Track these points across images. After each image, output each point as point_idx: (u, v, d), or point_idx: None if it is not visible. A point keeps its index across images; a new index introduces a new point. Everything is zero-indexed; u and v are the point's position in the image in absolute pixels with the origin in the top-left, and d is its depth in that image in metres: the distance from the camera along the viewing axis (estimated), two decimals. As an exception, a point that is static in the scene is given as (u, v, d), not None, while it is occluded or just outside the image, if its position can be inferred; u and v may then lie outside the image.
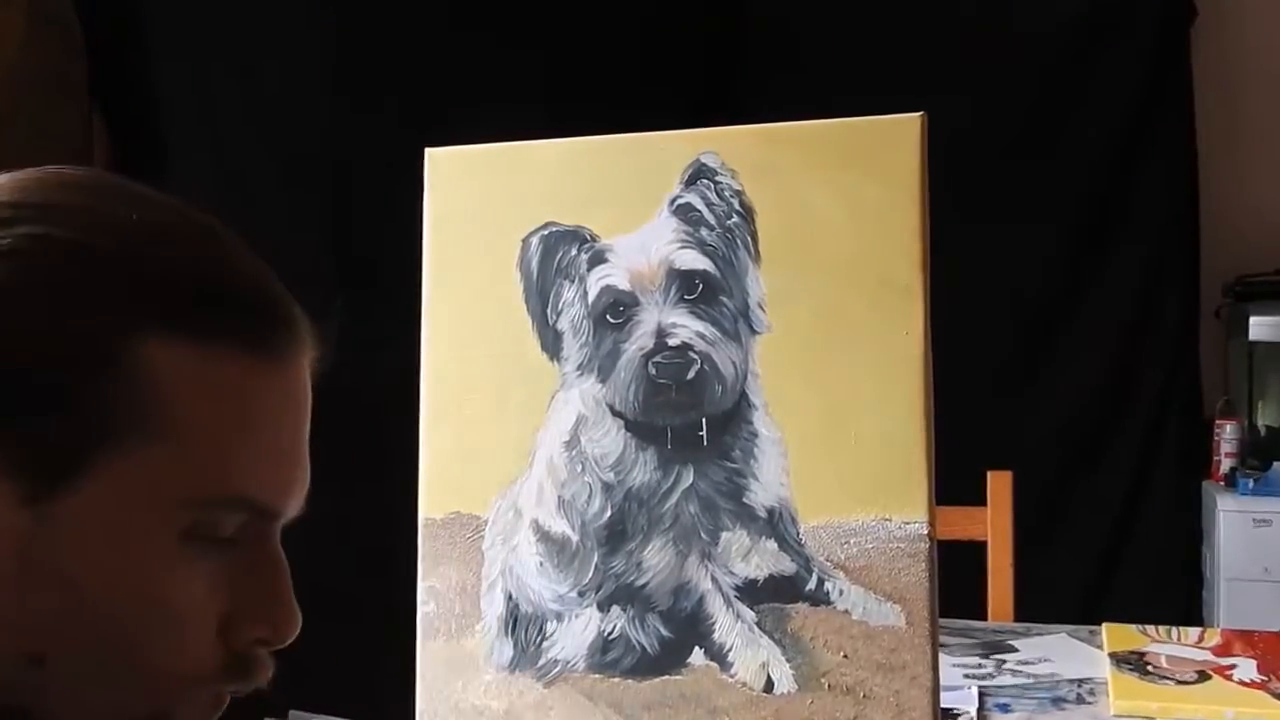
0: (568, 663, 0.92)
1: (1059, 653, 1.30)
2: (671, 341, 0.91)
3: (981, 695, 1.16)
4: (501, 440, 0.95)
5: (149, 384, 0.47)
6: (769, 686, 0.87)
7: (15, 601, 0.45)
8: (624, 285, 0.92)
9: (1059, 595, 2.08)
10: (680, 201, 0.92)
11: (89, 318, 0.46)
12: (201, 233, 0.51)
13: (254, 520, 0.50)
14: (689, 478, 0.90)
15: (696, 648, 0.89)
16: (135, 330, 0.47)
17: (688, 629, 0.90)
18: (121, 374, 0.46)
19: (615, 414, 0.92)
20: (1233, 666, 1.21)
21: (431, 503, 0.97)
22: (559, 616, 0.93)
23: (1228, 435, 2.45)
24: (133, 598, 0.47)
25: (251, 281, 0.51)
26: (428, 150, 1.00)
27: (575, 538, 0.93)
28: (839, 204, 0.88)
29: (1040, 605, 1.50)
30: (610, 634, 0.91)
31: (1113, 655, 1.23)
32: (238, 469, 0.49)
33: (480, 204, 0.98)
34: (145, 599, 0.47)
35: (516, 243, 0.96)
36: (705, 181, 0.92)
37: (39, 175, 0.50)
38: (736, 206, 0.91)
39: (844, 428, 0.87)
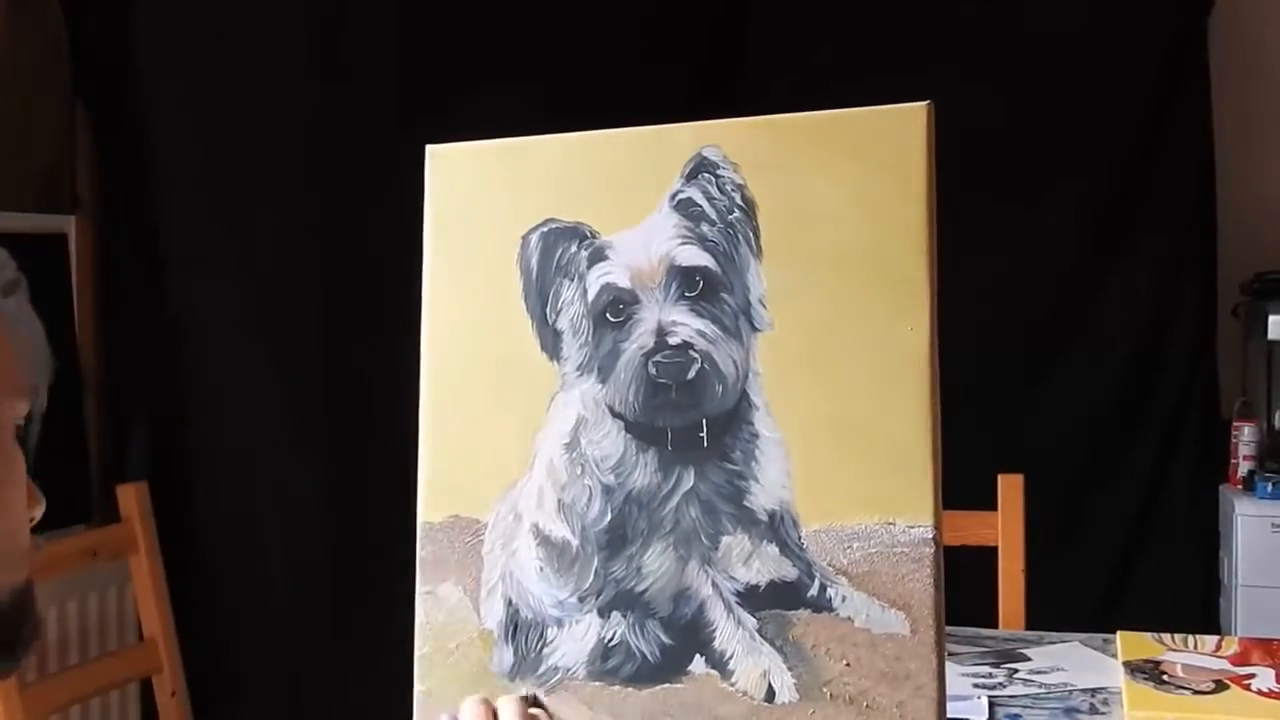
0: (568, 670, 0.90)
1: (1072, 662, 1.28)
2: (672, 340, 0.89)
3: (992, 705, 1.14)
4: (501, 442, 0.93)
5: None
6: (770, 696, 0.85)
7: None
8: (624, 283, 0.91)
9: (1072, 602, 2.05)
10: (681, 196, 0.90)
11: None
12: None
13: None
14: (689, 480, 0.88)
15: (697, 655, 0.87)
16: None
17: (688, 636, 0.88)
18: None
19: (615, 415, 0.91)
20: (1251, 676, 1.19)
21: (430, 506, 0.96)
22: (559, 623, 0.91)
23: (1246, 437, 2.42)
24: None
25: None
26: (429, 146, 0.99)
27: (575, 542, 0.91)
28: (843, 197, 0.86)
29: (1052, 612, 1.48)
30: (611, 641, 0.89)
31: (1127, 664, 1.21)
32: None
33: (480, 200, 0.97)
34: None
35: (516, 240, 0.94)
36: (707, 175, 0.90)
37: None
38: (738, 201, 0.89)
39: (847, 428, 0.84)
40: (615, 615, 0.89)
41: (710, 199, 0.89)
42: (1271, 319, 2.29)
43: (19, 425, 0.66)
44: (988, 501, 1.52)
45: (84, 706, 2.01)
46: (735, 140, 0.89)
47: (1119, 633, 1.30)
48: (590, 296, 0.91)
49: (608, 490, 0.90)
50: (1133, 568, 2.40)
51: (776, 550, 0.86)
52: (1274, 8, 2.57)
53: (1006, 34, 2.39)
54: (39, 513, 0.69)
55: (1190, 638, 1.29)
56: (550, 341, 0.93)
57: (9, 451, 0.65)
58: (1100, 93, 2.42)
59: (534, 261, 0.94)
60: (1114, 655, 1.26)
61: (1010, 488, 1.51)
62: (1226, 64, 2.46)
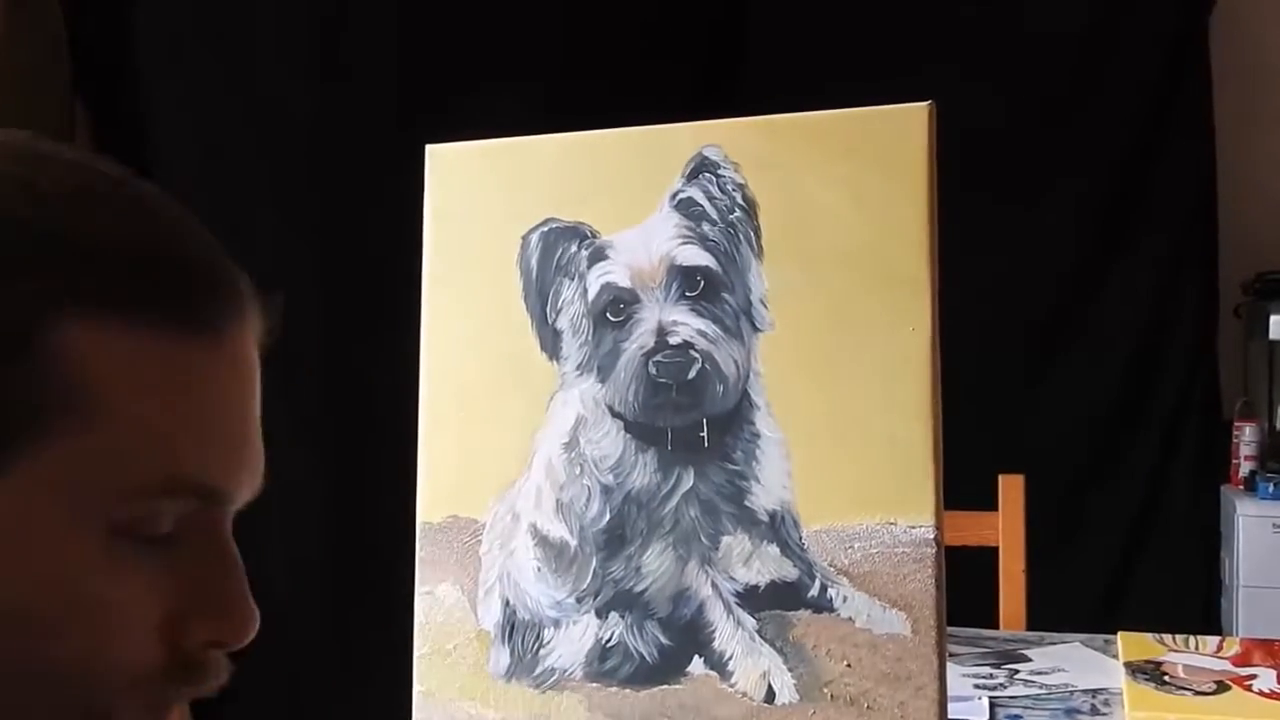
0: (565, 671, 0.90)
1: (1073, 662, 1.27)
2: (672, 340, 0.89)
3: (993, 706, 1.13)
4: (500, 442, 0.93)
5: (71, 367, 0.42)
6: (770, 697, 0.84)
7: None
8: (624, 282, 0.90)
9: (1073, 603, 2.05)
10: (682, 196, 0.90)
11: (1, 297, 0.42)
12: (128, 199, 0.47)
13: (201, 508, 0.46)
14: (689, 480, 0.88)
15: (696, 656, 0.87)
16: (54, 308, 0.42)
17: (687, 637, 0.87)
18: (40, 358, 0.42)
19: (615, 415, 0.90)
20: (1253, 677, 1.18)
21: (429, 506, 0.95)
22: (556, 624, 0.91)
23: (1247, 437, 2.42)
24: (61, 600, 0.43)
25: (184, 250, 0.46)
26: (429, 146, 0.98)
27: (574, 542, 0.91)
28: (844, 196, 0.85)
29: (1053, 613, 1.47)
30: (608, 642, 0.89)
31: (1128, 665, 1.21)
32: (178, 452, 0.45)
33: (480, 200, 0.96)
34: (71, 598, 0.43)
35: (516, 240, 0.94)
36: (707, 175, 0.90)
37: None
38: (739, 200, 0.88)
39: (848, 428, 0.84)
40: (613, 616, 0.89)
41: (711, 198, 0.89)
42: (1273, 319, 2.28)
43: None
44: (988, 502, 1.52)
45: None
46: (736, 140, 0.89)
47: (1120, 633, 1.29)
48: (590, 296, 0.91)
49: (607, 490, 0.90)
50: (1134, 568, 2.40)
51: (777, 550, 0.86)
52: (1275, 7, 2.56)
53: (1006, 34, 2.38)
54: (236, 640, 0.48)
55: (1191, 638, 1.29)
56: (550, 341, 0.93)
57: (99, 576, 0.44)
58: (1100, 93, 2.42)
59: (534, 261, 0.93)
60: (1115, 656, 1.25)
61: (1011, 488, 1.51)
62: (1227, 63, 2.46)
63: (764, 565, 0.86)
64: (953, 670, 1.02)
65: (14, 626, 0.43)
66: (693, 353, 0.88)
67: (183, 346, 0.45)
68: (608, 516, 0.90)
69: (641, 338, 0.89)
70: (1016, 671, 1.24)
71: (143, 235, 0.45)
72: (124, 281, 0.44)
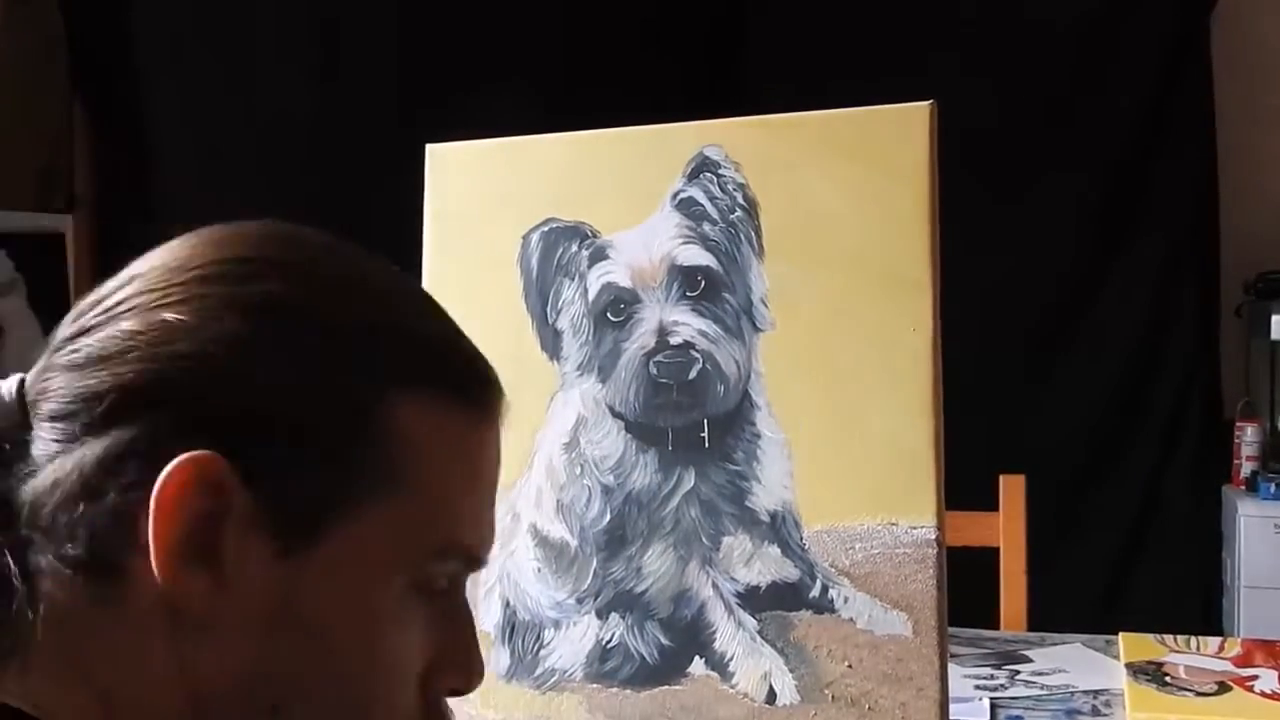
0: (565, 672, 0.90)
1: (1074, 663, 1.27)
2: (673, 340, 0.88)
3: (993, 707, 1.13)
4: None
5: (396, 440, 0.48)
6: (771, 697, 0.84)
7: (269, 652, 0.46)
8: (625, 282, 0.90)
9: (1074, 603, 2.04)
10: (683, 195, 0.90)
11: (348, 377, 0.48)
12: (421, 295, 0.54)
13: (462, 569, 0.51)
14: (690, 480, 0.88)
15: (697, 657, 0.87)
16: (386, 389, 0.48)
17: (688, 637, 0.87)
18: (373, 431, 0.47)
19: (615, 415, 0.90)
20: (1254, 677, 1.18)
21: (427, 506, 0.95)
22: (557, 624, 0.90)
23: (1249, 438, 2.41)
24: (367, 649, 0.48)
25: (462, 340, 0.53)
26: (429, 146, 0.98)
27: (574, 543, 0.91)
28: (845, 196, 0.85)
29: (1054, 614, 1.47)
30: (609, 642, 0.89)
31: (1129, 666, 1.20)
32: (462, 521, 0.50)
33: (480, 200, 0.96)
34: (377, 650, 0.48)
35: (516, 239, 0.94)
36: (708, 175, 0.89)
37: (271, 230, 0.53)
38: (740, 200, 0.88)
39: (849, 428, 0.84)
40: (614, 616, 0.89)
41: (712, 198, 0.89)
42: (1275, 319, 2.28)
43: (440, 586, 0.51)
44: (988, 502, 1.51)
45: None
46: (737, 140, 0.89)
47: (1121, 634, 1.29)
48: (591, 296, 0.91)
49: (607, 490, 0.90)
50: (1135, 568, 2.40)
51: (778, 551, 0.86)
52: (1275, 6, 2.56)
53: (1006, 33, 2.38)
54: (479, 684, 0.53)
55: (1193, 639, 1.29)
56: (550, 341, 0.92)
57: (390, 635, 0.48)
58: (1100, 92, 2.41)
59: (534, 261, 0.93)
60: (1116, 656, 1.25)
61: (1011, 488, 1.50)
62: (1229, 62, 2.45)
63: (765, 566, 0.86)
64: (954, 671, 1.02)
65: (331, 679, 0.47)
66: (693, 353, 0.88)
67: (472, 425, 0.51)
68: (608, 517, 0.89)
69: (642, 338, 0.89)
70: (1017, 672, 1.24)
71: (440, 329, 0.52)
72: (433, 369, 0.50)
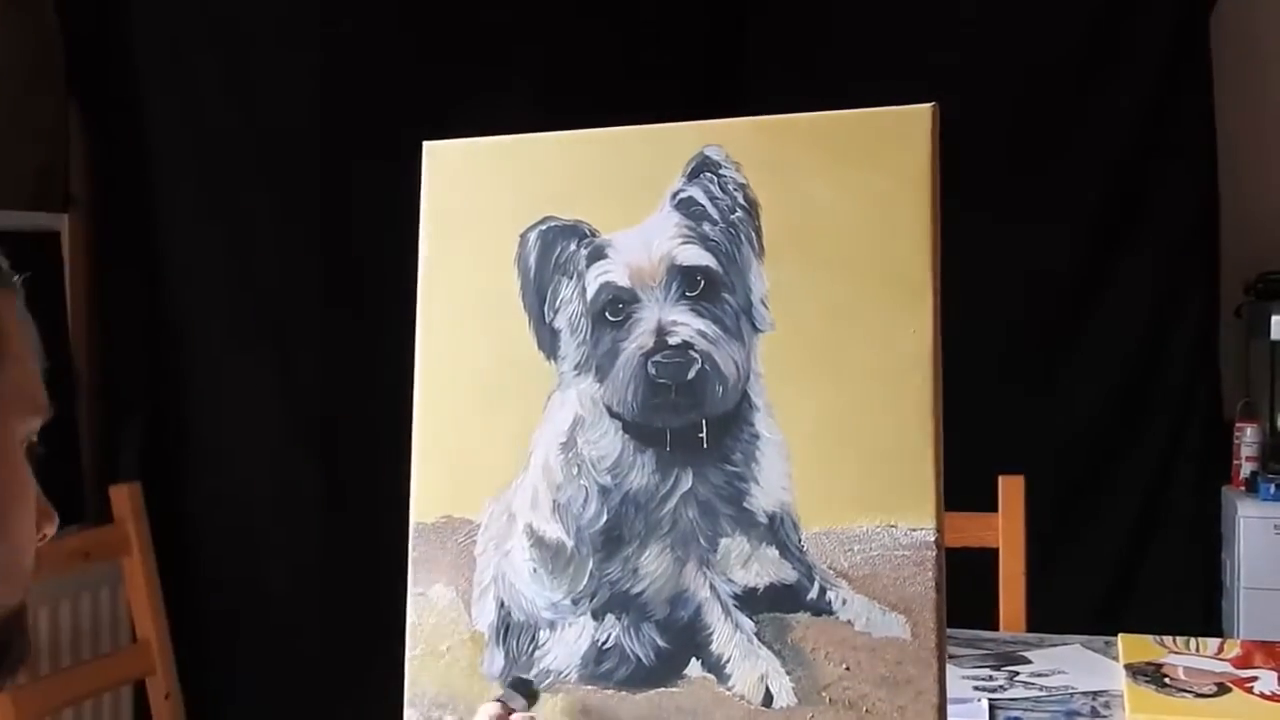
0: (560, 673, 0.89)
1: (1073, 664, 1.27)
2: (672, 340, 0.88)
3: (992, 708, 1.13)
4: (496, 441, 0.92)
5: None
6: (768, 700, 0.84)
7: None
8: (624, 282, 0.90)
9: (1073, 605, 2.04)
10: (682, 195, 0.89)
11: None
12: None
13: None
14: (688, 481, 0.87)
15: (693, 659, 0.86)
16: None
17: (684, 639, 0.86)
18: None
19: (613, 415, 0.90)
20: (1254, 679, 1.18)
21: (422, 506, 0.95)
22: (552, 625, 0.90)
23: (1249, 438, 2.41)
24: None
25: None
26: (426, 143, 0.98)
27: (570, 543, 0.90)
28: (846, 198, 0.85)
29: (1054, 615, 1.47)
30: (604, 644, 0.88)
31: (1129, 667, 1.20)
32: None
33: (478, 198, 0.96)
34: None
35: (514, 238, 0.93)
36: (709, 175, 0.89)
37: None
38: (740, 200, 0.88)
39: (849, 430, 0.83)
40: (609, 618, 0.88)
41: (712, 198, 0.88)
42: (1275, 319, 2.27)
43: (32, 441, 0.66)
44: (988, 503, 1.51)
45: (77, 709, 1.99)
46: (738, 140, 0.88)
47: (1120, 635, 1.29)
48: (589, 295, 0.90)
49: (604, 491, 0.89)
50: (1134, 569, 2.39)
51: (776, 553, 0.85)
52: (1275, 6, 2.55)
53: (1006, 33, 2.38)
54: (51, 530, 0.69)
55: (1192, 640, 1.29)
56: (548, 340, 0.92)
57: (20, 468, 0.65)
58: (1100, 93, 2.41)
59: (532, 260, 0.93)
60: (1115, 658, 1.25)
61: (1011, 489, 1.50)
62: (1230, 62, 2.45)
63: (763, 567, 0.85)
64: (952, 672, 1.02)
65: None
66: (692, 353, 0.87)
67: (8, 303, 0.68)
68: (605, 517, 0.89)
69: (641, 338, 0.89)
70: (1016, 673, 1.24)
71: None
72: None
